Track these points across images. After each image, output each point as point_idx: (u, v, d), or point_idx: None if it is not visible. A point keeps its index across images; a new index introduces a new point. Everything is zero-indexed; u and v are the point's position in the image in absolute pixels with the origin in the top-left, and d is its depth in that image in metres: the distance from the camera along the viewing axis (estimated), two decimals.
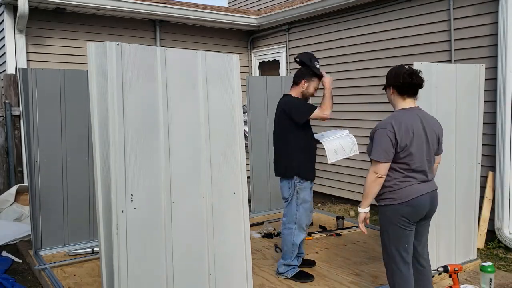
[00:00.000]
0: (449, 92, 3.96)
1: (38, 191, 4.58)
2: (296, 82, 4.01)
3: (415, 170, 2.95)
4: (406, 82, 2.96)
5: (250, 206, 4.70)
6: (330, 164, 6.98)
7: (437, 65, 3.89)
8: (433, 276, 3.33)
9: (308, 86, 3.95)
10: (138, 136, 2.65)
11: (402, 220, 2.95)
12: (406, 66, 3.03)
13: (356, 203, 6.75)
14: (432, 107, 3.75)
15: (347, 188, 6.85)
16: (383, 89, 3.16)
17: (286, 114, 3.87)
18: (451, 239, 4.11)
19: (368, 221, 3.07)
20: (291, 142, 3.89)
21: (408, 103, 3.03)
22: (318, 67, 3.96)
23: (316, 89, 4.02)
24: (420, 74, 3.00)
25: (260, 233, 5.32)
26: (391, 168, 2.95)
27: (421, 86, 3.02)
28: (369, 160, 3.03)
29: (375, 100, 6.23)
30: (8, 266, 4.58)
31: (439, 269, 3.49)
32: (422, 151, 2.96)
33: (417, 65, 3.62)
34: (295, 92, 4.00)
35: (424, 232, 3.16)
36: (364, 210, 3.02)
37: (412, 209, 2.94)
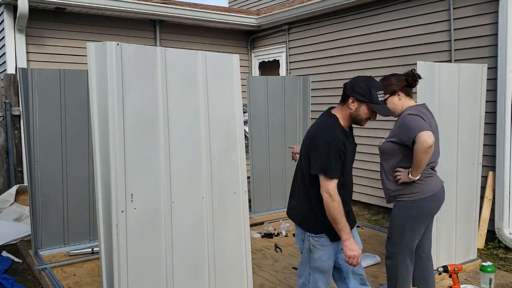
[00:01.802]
0: (451, 92, 3.96)
1: (38, 191, 4.58)
2: (343, 98, 2.77)
3: (432, 162, 3.04)
4: (409, 79, 3.10)
5: (250, 206, 4.70)
6: None
7: (440, 65, 3.89)
8: None
9: (358, 108, 2.69)
10: (138, 136, 2.65)
11: (425, 216, 3.03)
12: (394, 74, 3.18)
13: (356, 203, 6.74)
14: (434, 106, 3.74)
15: None
16: (384, 100, 3.14)
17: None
18: (451, 239, 4.11)
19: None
20: (316, 189, 2.68)
21: (413, 101, 3.14)
22: (381, 98, 2.70)
23: (369, 116, 2.74)
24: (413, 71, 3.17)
25: (260, 233, 5.32)
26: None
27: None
28: (382, 152, 3.12)
29: None
30: (8, 266, 4.58)
31: (439, 269, 3.50)
32: (438, 145, 3.09)
33: (420, 65, 3.65)
34: (342, 114, 2.75)
35: (431, 226, 3.25)
36: (414, 178, 2.95)
37: (437, 203, 3.04)
